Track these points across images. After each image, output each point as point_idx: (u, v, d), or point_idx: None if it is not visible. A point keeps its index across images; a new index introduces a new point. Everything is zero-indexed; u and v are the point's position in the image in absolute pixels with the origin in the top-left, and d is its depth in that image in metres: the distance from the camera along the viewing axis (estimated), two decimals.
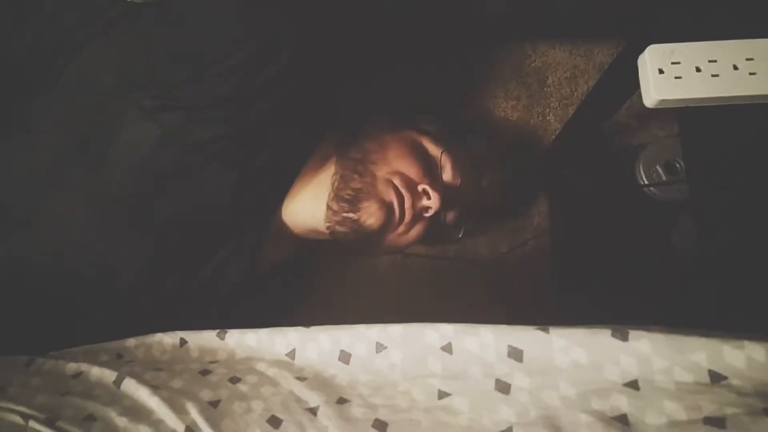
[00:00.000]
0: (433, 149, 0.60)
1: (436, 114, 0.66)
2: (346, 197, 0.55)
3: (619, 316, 0.37)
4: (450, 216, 0.61)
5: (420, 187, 0.56)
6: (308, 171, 0.58)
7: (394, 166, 0.57)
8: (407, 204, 0.56)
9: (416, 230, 0.59)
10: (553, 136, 0.74)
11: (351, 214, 0.55)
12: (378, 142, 0.58)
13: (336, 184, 0.56)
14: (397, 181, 0.55)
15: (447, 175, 0.59)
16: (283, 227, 0.59)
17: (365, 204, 0.55)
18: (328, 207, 0.55)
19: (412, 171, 0.57)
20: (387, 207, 0.55)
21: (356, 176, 0.55)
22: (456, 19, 0.69)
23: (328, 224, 0.56)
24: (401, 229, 0.58)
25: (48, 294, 0.48)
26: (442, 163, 0.59)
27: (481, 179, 0.64)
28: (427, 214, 0.57)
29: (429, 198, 0.56)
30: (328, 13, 0.58)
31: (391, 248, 0.62)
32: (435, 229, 0.61)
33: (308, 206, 0.57)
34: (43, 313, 0.49)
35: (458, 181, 0.60)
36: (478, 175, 0.63)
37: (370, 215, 0.55)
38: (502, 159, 0.68)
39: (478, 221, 0.67)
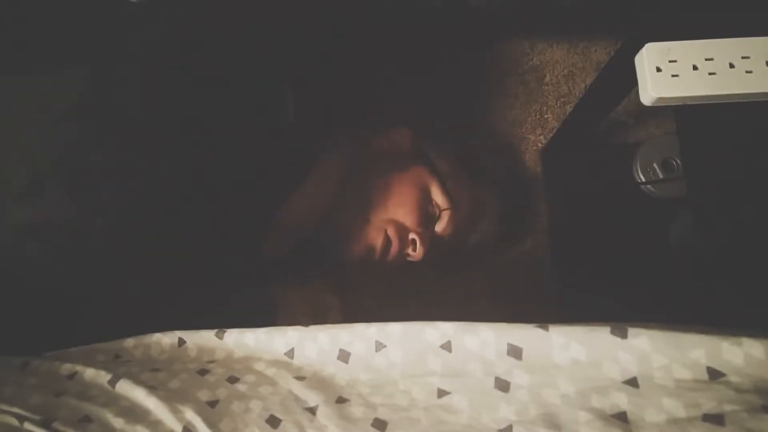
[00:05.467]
0: (439, 199, 0.59)
1: (450, 138, 0.66)
2: (335, 231, 0.55)
3: (618, 313, 0.37)
4: (428, 258, 0.61)
5: (410, 236, 0.57)
6: (315, 176, 0.58)
7: (391, 213, 0.57)
8: (393, 250, 0.56)
9: (391, 264, 0.60)
10: (551, 134, 0.74)
11: (336, 245, 0.55)
12: (385, 180, 0.58)
13: (331, 211, 0.56)
14: (390, 231, 0.56)
15: (440, 227, 0.60)
16: (282, 226, 0.59)
17: (351, 243, 0.56)
18: (318, 228, 0.56)
19: (408, 219, 0.57)
20: (371, 250, 0.56)
21: (352, 212, 0.56)
22: (450, 16, 0.69)
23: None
24: (378, 264, 0.59)
25: (40, 285, 0.48)
26: (441, 217, 0.59)
27: (472, 235, 0.64)
28: (408, 258, 0.58)
29: (415, 250, 0.57)
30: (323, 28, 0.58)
31: (365, 271, 0.63)
32: (409, 265, 0.61)
33: (304, 213, 0.57)
34: (39, 312, 0.49)
35: (448, 234, 0.60)
36: (471, 230, 0.64)
37: (351, 253, 0.56)
38: (502, 213, 0.68)
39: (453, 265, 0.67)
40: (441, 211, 0.59)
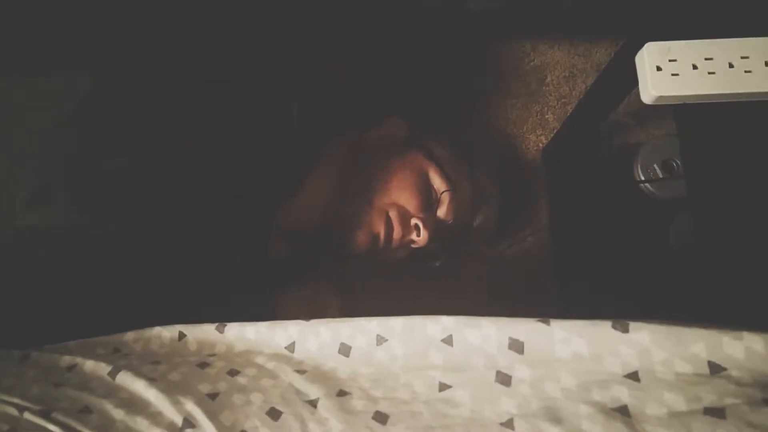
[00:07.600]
0: (438, 183, 0.59)
1: (447, 134, 0.66)
2: (337, 221, 0.55)
3: (618, 311, 0.38)
4: (434, 245, 0.61)
5: (413, 222, 0.56)
6: (314, 177, 0.58)
7: (393, 197, 0.57)
8: (396, 236, 0.56)
9: (398, 254, 0.59)
10: (552, 135, 0.74)
11: (339, 236, 0.55)
12: (383, 166, 0.58)
13: (332, 203, 0.56)
14: (392, 214, 0.56)
15: (442, 210, 0.59)
16: (283, 225, 0.59)
17: (354, 231, 0.55)
18: (320, 221, 0.56)
19: (410, 204, 0.57)
20: (374, 237, 0.56)
21: (353, 200, 0.56)
22: (451, 17, 0.70)
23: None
24: (384, 253, 0.58)
25: (42, 283, 0.48)
26: (442, 199, 0.59)
27: (474, 218, 0.64)
28: (413, 245, 0.58)
29: (419, 235, 0.56)
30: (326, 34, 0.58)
31: (372, 262, 0.63)
32: (416, 254, 0.61)
33: (305, 213, 0.57)
34: (40, 307, 0.48)
35: (451, 218, 0.60)
36: (473, 214, 0.64)
37: (356, 242, 0.55)
38: (502, 196, 0.68)
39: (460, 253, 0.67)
40: (441, 193, 0.59)
